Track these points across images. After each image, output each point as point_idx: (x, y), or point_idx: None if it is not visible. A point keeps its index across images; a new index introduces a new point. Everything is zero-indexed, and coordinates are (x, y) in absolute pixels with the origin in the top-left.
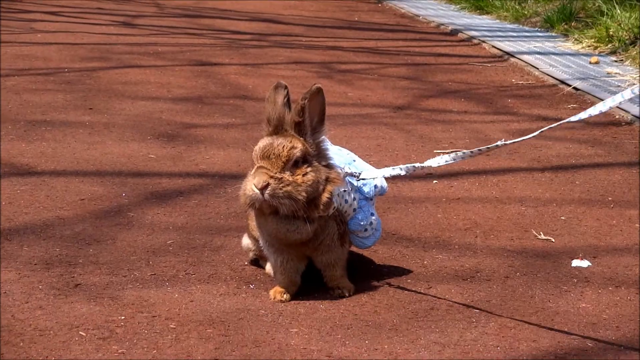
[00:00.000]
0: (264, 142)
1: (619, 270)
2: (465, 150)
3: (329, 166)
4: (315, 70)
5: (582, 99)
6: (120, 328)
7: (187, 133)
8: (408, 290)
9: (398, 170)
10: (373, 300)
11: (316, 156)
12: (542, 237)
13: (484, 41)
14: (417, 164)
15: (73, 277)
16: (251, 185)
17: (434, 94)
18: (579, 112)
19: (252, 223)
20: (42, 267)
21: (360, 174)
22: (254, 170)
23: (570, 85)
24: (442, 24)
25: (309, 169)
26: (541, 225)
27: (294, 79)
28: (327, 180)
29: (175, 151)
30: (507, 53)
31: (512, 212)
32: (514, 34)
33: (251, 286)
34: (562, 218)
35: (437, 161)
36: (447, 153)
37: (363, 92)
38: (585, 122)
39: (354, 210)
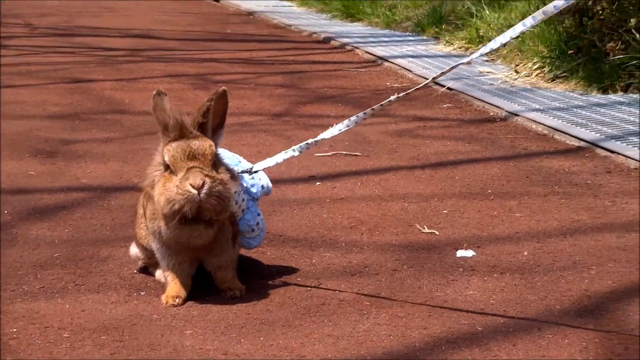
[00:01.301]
0: (179, 145)
1: (502, 258)
2: (358, 114)
3: (225, 167)
4: (190, 82)
5: (457, 99)
6: (14, 340)
7: (66, 149)
8: (299, 287)
9: (291, 152)
10: (265, 299)
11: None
12: (426, 230)
13: (357, 47)
14: (310, 140)
15: None
16: (185, 187)
17: (310, 100)
18: (454, 111)
19: (141, 232)
20: None
21: (252, 168)
22: (183, 172)
23: (444, 86)
24: (315, 33)
25: (222, 168)
26: (424, 220)
27: (170, 92)
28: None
29: (55, 167)
30: (381, 57)
31: (395, 208)
32: (386, 39)
33: (142, 293)
34: (445, 212)
35: (330, 132)
36: (340, 122)
37: (240, 101)
38: (461, 120)
39: (243, 211)
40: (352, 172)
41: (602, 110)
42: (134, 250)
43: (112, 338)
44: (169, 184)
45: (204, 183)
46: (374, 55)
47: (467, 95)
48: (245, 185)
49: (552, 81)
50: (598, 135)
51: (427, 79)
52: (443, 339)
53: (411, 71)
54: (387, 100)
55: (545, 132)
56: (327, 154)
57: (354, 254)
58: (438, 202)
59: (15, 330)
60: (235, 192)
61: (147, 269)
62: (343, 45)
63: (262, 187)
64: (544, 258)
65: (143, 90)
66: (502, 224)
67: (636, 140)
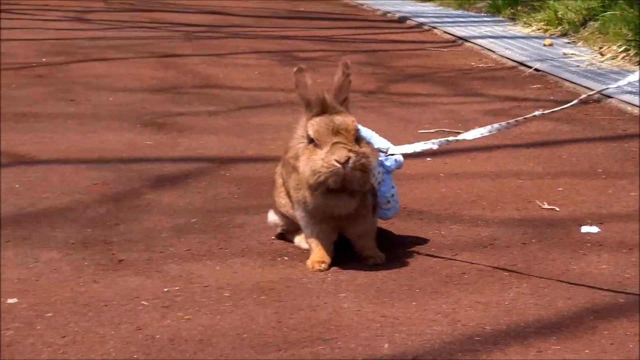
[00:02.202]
0: (322, 120)
1: (627, 235)
2: (502, 123)
3: (365, 141)
4: (278, 58)
5: (545, 80)
6: (179, 297)
7: (174, 121)
8: (435, 257)
9: (430, 144)
10: (406, 267)
11: None
12: (546, 206)
13: (434, 27)
14: (450, 138)
15: (113, 254)
16: (330, 160)
17: (399, 78)
18: (545, 92)
19: (280, 200)
20: (80, 246)
21: (388, 149)
22: (328, 147)
23: (530, 67)
24: (388, 12)
25: (364, 142)
26: (542, 196)
27: (260, 67)
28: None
29: (169, 138)
30: (460, 38)
31: (510, 185)
32: (462, 20)
33: (285, 258)
34: (560, 189)
35: (471, 134)
36: (482, 127)
37: (330, 78)
38: (554, 101)
39: (379, 183)
40: (460, 149)
41: None
42: (272, 217)
43: (272, 298)
44: (314, 157)
45: (348, 158)
46: (454, 35)
47: (556, 76)
48: (380, 158)
49: (638, 64)
50: None
51: (511, 59)
52: (589, 309)
53: (494, 52)
54: (532, 114)
55: None
56: (430, 131)
57: (481, 228)
58: (551, 180)
59: (177, 288)
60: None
61: (284, 235)
62: (420, 24)
63: (395, 160)
64: None
65: (233, 65)
66: (619, 202)
67: None
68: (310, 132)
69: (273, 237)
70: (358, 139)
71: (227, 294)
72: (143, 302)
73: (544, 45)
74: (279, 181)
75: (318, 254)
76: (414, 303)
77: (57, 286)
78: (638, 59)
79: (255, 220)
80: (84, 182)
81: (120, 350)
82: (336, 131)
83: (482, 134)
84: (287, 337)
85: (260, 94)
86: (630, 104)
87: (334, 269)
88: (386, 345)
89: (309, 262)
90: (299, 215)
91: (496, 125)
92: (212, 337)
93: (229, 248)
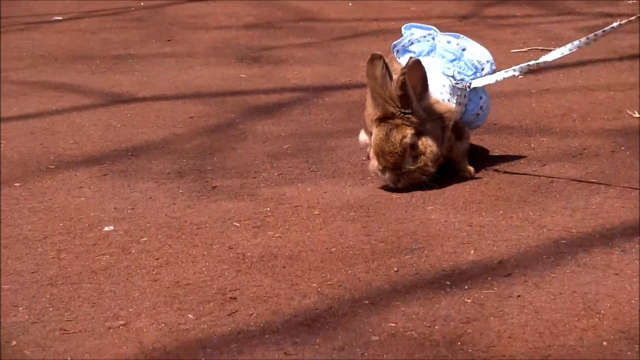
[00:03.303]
0: (377, 136)
1: None
2: (581, 39)
3: (439, 104)
4: None
5: None
6: (270, 218)
7: (268, 54)
8: (524, 167)
9: (512, 72)
10: (494, 179)
11: (427, 117)
12: (637, 115)
13: None
14: (531, 62)
15: (207, 181)
16: (384, 175)
17: (494, 1)
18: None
19: (368, 120)
20: (175, 176)
21: (469, 84)
22: (381, 166)
23: None
24: None
25: (428, 142)
26: (633, 106)
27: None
28: (444, 118)
29: (263, 70)
30: None
31: (602, 97)
32: None
33: (375, 178)
34: None
35: (552, 56)
36: (561, 46)
37: (425, 5)
38: None
39: (465, 105)
40: (551, 66)
41: None
42: (362, 137)
43: (360, 214)
44: (372, 159)
45: (398, 180)
46: None
47: None
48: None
49: None
50: None
51: None
52: None
53: None
54: (610, 26)
55: None
56: (523, 50)
57: (570, 139)
58: None
59: (268, 209)
60: (456, 99)
61: None
62: None
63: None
64: None
65: None
66: None
67: None
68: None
69: (364, 158)
70: (413, 147)
71: (317, 212)
72: (235, 224)
73: None
74: (369, 101)
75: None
76: (500, 212)
77: (151, 213)
78: None
79: (347, 143)
80: (180, 117)
81: (212, 269)
82: (386, 154)
83: (562, 53)
84: (374, 249)
85: (354, 25)
86: None
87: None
88: (472, 252)
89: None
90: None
91: (576, 43)
92: (301, 253)
93: (320, 170)
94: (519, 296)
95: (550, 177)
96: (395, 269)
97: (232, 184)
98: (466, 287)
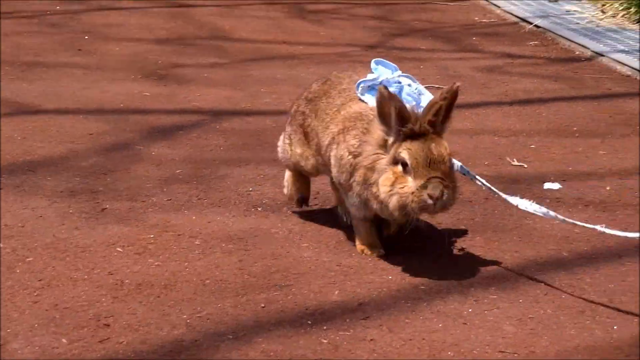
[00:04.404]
0: (420, 148)
1: (586, 192)
2: (558, 215)
3: None
4: (287, 10)
5: (544, 37)
6: (152, 245)
7: (175, 72)
8: None
9: (477, 182)
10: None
11: None
12: (516, 163)
13: None
14: (494, 189)
15: (98, 202)
16: (422, 195)
17: (402, 32)
18: (541, 49)
19: (296, 150)
20: (68, 195)
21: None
22: (423, 180)
23: (531, 23)
24: None
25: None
26: (514, 153)
27: (268, 19)
28: None
29: (167, 89)
30: None
31: (486, 141)
32: None
33: (259, 209)
34: (532, 146)
35: (515, 200)
36: (531, 202)
37: (335, 31)
38: (548, 59)
39: None
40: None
41: None
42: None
43: (239, 247)
44: (402, 186)
45: (442, 194)
46: None
47: (554, 33)
48: None
49: (638, 22)
50: None
51: (514, 15)
52: (533, 261)
53: (499, 7)
54: (592, 226)
55: (630, 73)
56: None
57: None
58: (526, 137)
59: (152, 236)
60: None
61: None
62: None
63: None
64: (625, 193)
65: (243, 17)
66: (587, 160)
67: None
68: (407, 159)
69: (250, 189)
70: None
71: (198, 242)
72: (118, 249)
73: (549, 1)
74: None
75: (370, 239)
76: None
77: (40, 232)
78: (638, 17)
79: (236, 172)
80: (79, 132)
81: (90, 294)
82: (434, 163)
83: (525, 207)
84: (246, 283)
85: (263, 47)
86: (621, 63)
87: (302, 219)
88: (336, 292)
89: (361, 247)
90: (351, 201)
91: (544, 210)
92: (177, 283)
93: (208, 199)
94: (372, 340)
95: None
96: (263, 305)
97: (121, 207)
98: (325, 327)
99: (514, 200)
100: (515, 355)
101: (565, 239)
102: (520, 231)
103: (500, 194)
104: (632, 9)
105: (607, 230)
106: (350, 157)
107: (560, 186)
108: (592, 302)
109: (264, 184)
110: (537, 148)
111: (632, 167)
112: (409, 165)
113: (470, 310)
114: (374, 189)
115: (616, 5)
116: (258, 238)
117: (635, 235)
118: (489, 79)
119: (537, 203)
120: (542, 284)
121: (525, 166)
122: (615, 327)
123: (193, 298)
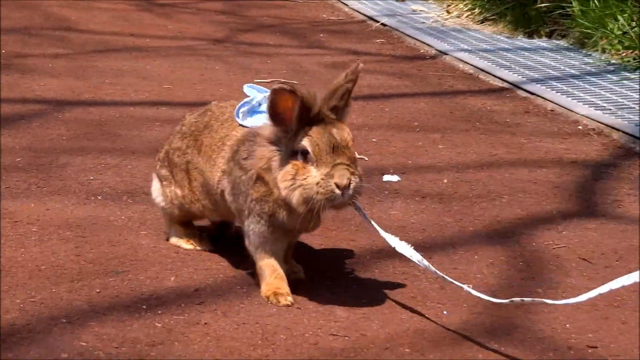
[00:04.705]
0: (321, 133)
1: (424, 184)
2: (430, 267)
3: None
4: (134, 3)
5: (390, 35)
6: None
7: (19, 62)
8: None
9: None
10: None
11: None
12: (357, 156)
13: None
14: (378, 229)
15: None
16: (328, 185)
17: (250, 28)
18: (387, 47)
19: (176, 191)
20: None
21: None
22: (328, 168)
23: (378, 22)
24: None
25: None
26: (356, 147)
27: (115, 12)
28: None
29: (10, 79)
30: None
31: None
32: None
33: (99, 197)
34: (374, 140)
35: (395, 242)
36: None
37: (182, 25)
38: (393, 56)
39: None
40: None
41: (526, 53)
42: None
43: (76, 234)
44: (305, 178)
45: (349, 182)
46: None
47: (400, 32)
48: None
49: (481, 23)
50: (520, 77)
51: (362, 13)
52: (368, 250)
53: (347, 5)
54: (485, 297)
55: (472, 71)
56: (266, 80)
57: None
58: (368, 132)
59: None
60: None
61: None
62: None
63: None
64: (461, 186)
65: (89, 8)
66: (426, 154)
67: (555, 84)
68: (307, 146)
69: (91, 178)
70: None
71: (35, 229)
72: None
73: (396, 0)
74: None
75: (277, 283)
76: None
77: None
78: (481, 18)
79: (78, 161)
80: None
81: None
82: (338, 149)
83: (402, 250)
84: (82, 270)
85: (109, 39)
86: (463, 61)
87: (142, 208)
88: (172, 279)
89: (267, 293)
90: (253, 229)
91: (419, 260)
92: (11, 268)
93: (47, 187)
94: (206, 323)
95: None
96: (98, 290)
97: None
98: (160, 312)
99: (393, 240)
100: (347, 338)
101: (401, 229)
102: (358, 220)
103: (381, 231)
104: (476, 10)
105: (474, 293)
106: (241, 173)
107: (399, 178)
108: (423, 289)
109: (105, 172)
110: (378, 142)
111: (470, 161)
112: (311, 153)
113: (305, 296)
114: (275, 192)
115: (461, 6)
116: (96, 226)
117: (502, 300)
118: (334, 74)
119: (413, 249)
120: (377, 271)
121: (366, 159)
122: (445, 312)
123: (27, 283)
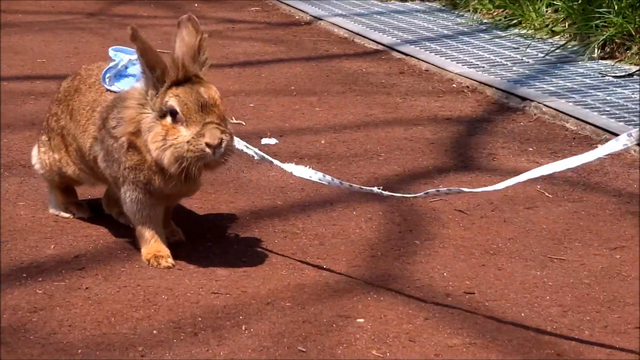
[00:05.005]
0: (189, 93)
1: (302, 146)
2: (334, 179)
3: None
4: None
5: (265, 2)
6: None
7: None
8: None
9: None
10: None
11: None
12: (234, 121)
13: None
14: (267, 158)
15: None
16: (199, 144)
17: (123, 1)
18: (262, 14)
19: (54, 156)
20: None
21: None
22: (198, 127)
23: None
24: None
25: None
26: (233, 112)
27: None
28: None
29: None
30: None
31: None
32: None
33: None
34: (251, 105)
35: (298, 171)
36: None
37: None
38: (268, 23)
39: None
40: None
41: (400, 16)
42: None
43: None
44: (176, 137)
45: (221, 141)
46: None
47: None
48: None
49: None
50: (394, 39)
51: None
52: (247, 211)
53: None
54: (370, 189)
55: (346, 35)
56: None
57: None
58: (245, 97)
59: None
60: None
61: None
62: None
63: None
64: (339, 146)
65: None
66: (303, 117)
67: (429, 44)
68: (175, 106)
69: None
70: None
71: None
72: None
73: None
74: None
75: (157, 246)
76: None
77: None
78: None
79: None
80: None
81: None
82: (206, 107)
83: (309, 176)
84: None
85: None
86: (338, 26)
87: (19, 180)
88: (52, 247)
89: (148, 256)
90: (129, 197)
91: (328, 179)
92: None
93: None
94: (87, 288)
95: None
96: None
97: None
98: (40, 279)
99: (289, 167)
100: (228, 295)
101: (280, 189)
102: (237, 183)
103: (275, 161)
104: None
105: (386, 193)
106: (113, 141)
107: (277, 141)
108: (303, 245)
109: None
110: (255, 107)
111: (347, 122)
112: (180, 113)
113: (185, 258)
114: (149, 159)
115: None
116: None
117: (416, 195)
118: (210, 43)
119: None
120: (256, 231)
121: (244, 123)
122: (324, 267)
123: None
